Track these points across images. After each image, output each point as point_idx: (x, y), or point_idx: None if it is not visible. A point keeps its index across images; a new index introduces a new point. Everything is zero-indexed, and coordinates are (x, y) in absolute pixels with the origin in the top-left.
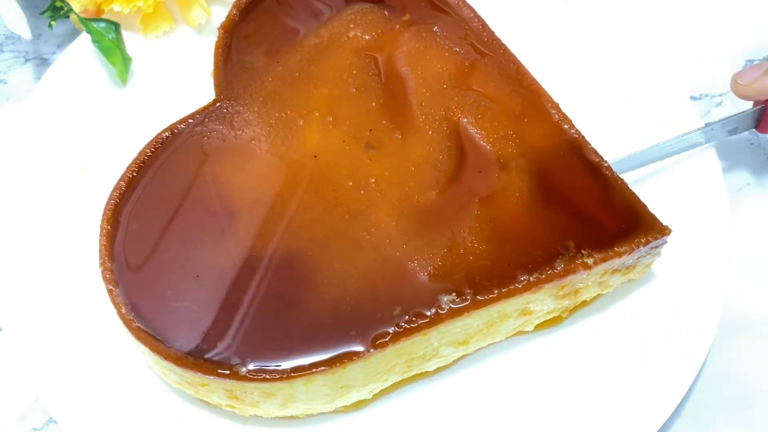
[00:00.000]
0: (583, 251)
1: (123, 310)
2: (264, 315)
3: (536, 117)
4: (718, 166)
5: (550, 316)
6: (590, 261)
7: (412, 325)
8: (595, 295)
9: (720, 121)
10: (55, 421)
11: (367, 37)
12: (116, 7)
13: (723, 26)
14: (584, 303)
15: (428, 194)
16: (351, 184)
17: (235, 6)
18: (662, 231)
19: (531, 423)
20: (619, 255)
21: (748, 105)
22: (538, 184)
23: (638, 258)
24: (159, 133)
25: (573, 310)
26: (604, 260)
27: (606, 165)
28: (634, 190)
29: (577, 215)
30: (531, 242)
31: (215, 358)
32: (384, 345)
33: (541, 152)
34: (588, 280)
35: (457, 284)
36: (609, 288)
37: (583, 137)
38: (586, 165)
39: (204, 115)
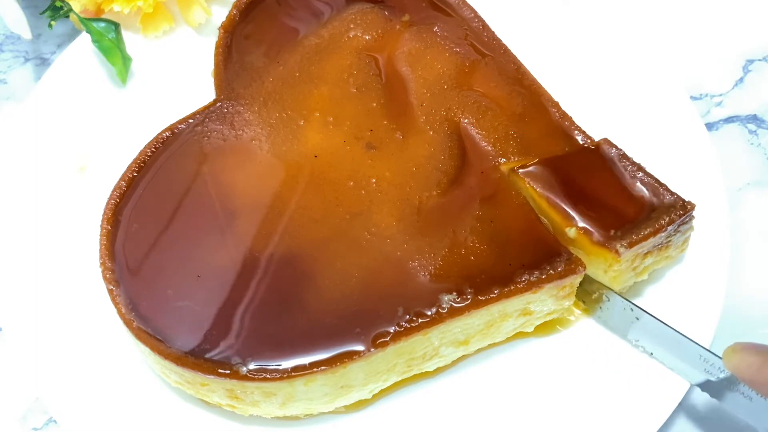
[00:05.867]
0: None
1: (123, 310)
2: (264, 315)
3: (537, 117)
4: (718, 166)
5: (551, 317)
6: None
7: (413, 325)
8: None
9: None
10: (55, 421)
11: (367, 38)
12: (116, 7)
13: (723, 26)
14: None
15: (429, 194)
16: (352, 184)
17: (235, 6)
18: (685, 208)
19: (531, 423)
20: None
21: (748, 108)
22: (544, 181)
23: (667, 238)
24: (159, 133)
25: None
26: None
27: (615, 155)
28: None
29: (584, 209)
30: (532, 242)
31: (216, 358)
32: (384, 344)
33: (543, 151)
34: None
35: (458, 284)
36: (646, 273)
37: (585, 133)
38: (590, 161)
39: (204, 115)
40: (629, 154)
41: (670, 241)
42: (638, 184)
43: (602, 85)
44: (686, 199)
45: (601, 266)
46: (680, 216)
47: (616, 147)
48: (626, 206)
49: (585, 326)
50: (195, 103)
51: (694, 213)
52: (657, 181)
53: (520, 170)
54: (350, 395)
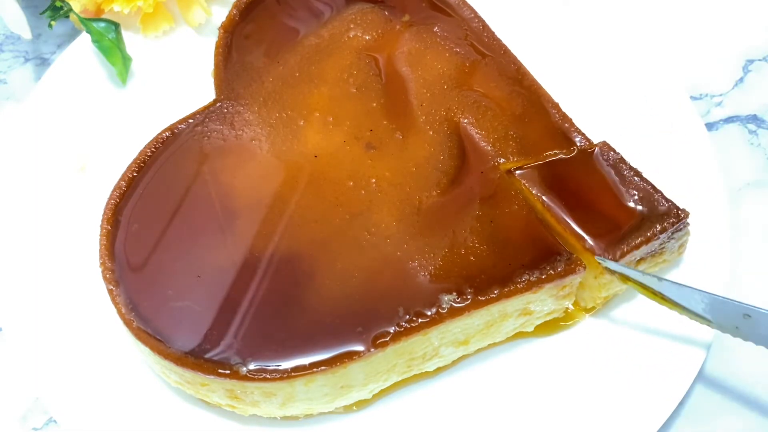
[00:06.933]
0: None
1: (123, 310)
2: (264, 315)
3: (537, 117)
4: (718, 166)
5: (551, 317)
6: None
7: (413, 325)
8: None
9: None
10: (55, 421)
11: (367, 38)
12: (116, 7)
13: (723, 26)
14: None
15: (429, 194)
16: (351, 184)
17: (235, 6)
18: (678, 216)
19: (531, 423)
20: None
21: (748, 108)
22: (540, 184)
23: (661, 245)
24: (159, 133)
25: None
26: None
27: (612, 159)
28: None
29: (578, 214)
30: (532, 242)
31: (216, 358)
32: (384, 344)
33: (542, 152)
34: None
35: (458, 284)
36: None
37: (584, 135)
38: (587, 165)
39: (204, 115)
40: (629, 154)
41: (664, 247)
42: (633, 190)
43: (602, 86)
44: (681, 207)
45: (591, 272)
46: (673, 224)
47: (614, 151)
48: (620, 213)
49: (585, 326)
50: (195, 103)
51: (694, 214)
52: (653, 187)
53: (517, 172)
54: (350, 395)
